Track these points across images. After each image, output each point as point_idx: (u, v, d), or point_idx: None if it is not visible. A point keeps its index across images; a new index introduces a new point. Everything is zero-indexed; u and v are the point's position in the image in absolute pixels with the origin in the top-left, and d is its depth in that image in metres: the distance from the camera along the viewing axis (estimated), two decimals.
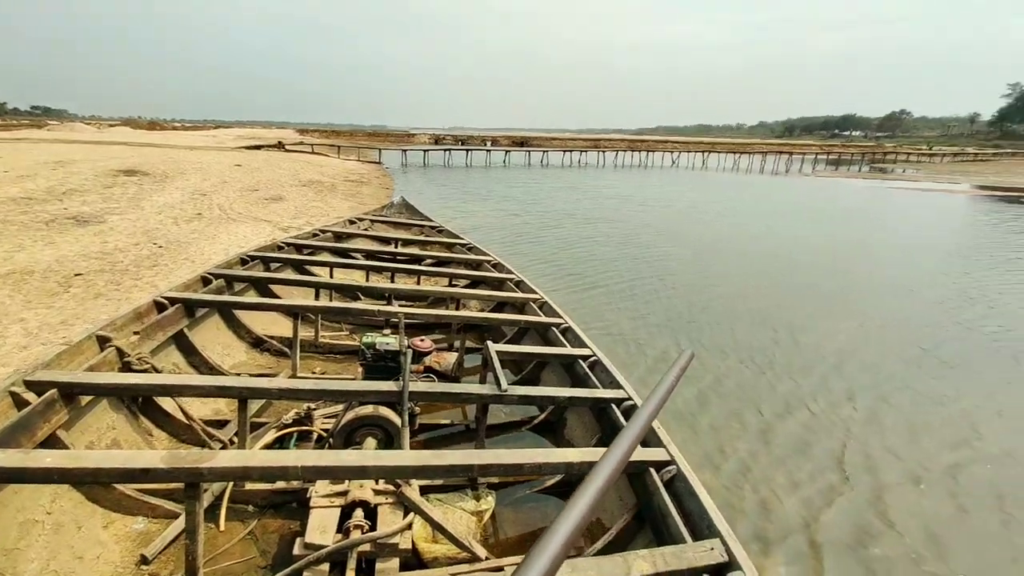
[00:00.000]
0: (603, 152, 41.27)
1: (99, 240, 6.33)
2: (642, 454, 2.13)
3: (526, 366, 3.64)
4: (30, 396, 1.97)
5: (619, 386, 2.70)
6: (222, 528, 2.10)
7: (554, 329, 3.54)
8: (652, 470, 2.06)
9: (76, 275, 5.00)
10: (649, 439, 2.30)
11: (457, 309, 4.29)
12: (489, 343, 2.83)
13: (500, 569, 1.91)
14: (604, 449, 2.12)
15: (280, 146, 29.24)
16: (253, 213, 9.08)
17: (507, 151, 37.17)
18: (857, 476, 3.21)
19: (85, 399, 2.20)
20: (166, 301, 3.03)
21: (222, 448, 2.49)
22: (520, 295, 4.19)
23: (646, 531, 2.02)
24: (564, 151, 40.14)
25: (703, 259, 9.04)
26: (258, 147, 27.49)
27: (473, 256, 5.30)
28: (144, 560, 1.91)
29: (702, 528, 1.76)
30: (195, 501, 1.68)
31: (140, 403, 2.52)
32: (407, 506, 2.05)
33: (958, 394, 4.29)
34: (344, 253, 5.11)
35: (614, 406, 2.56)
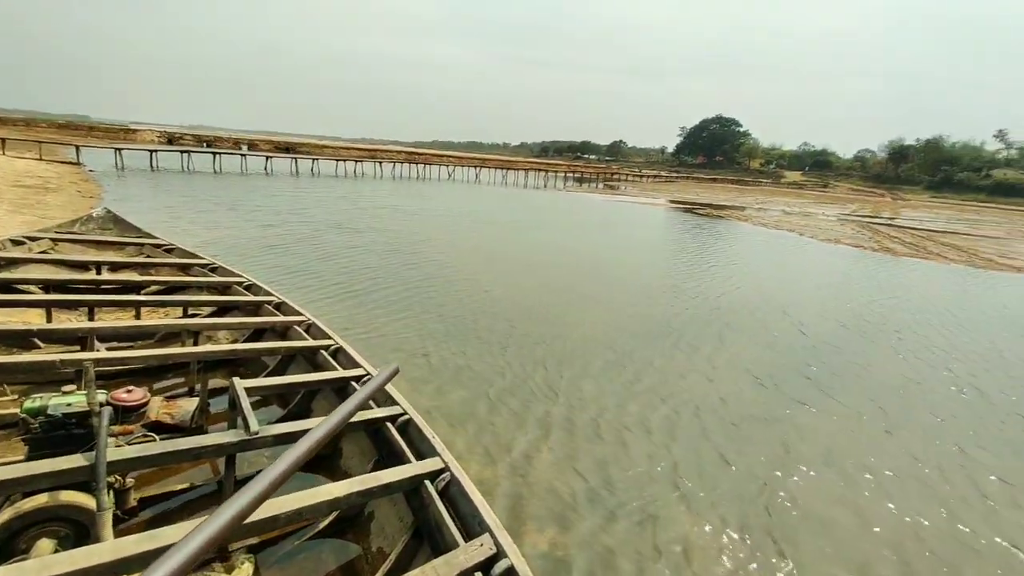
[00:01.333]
0: (380, 163, 40.61)
1: None
2: (417, 468, 2.10)
3: (293, 398, 3.22)
4: None
5: (394, 402, 2.62)
6: None
7: (323, 352, 3.24)
8: (427, 482, 2.04)
9: None
10: (424, 451, 2.28)
11: (194, 344, 3.52)
12: (235, 379, 2.40)
13: None
14: (385, 471, 2.01)
15: None
16: None
17: (268, 157, 32.99)
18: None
19: None
20: None
21: None
22: (282, 318, 3.71)
23: (424, 547, 1.99)
24: (338, 160, 37.97)
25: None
26: None
27: (218, 278, 4.44)
28: None
29: (474, 527, 1.81)
30: None
31: None
32: None
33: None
34: (8, 286, 3.66)
35: (389, 424, 2.47)
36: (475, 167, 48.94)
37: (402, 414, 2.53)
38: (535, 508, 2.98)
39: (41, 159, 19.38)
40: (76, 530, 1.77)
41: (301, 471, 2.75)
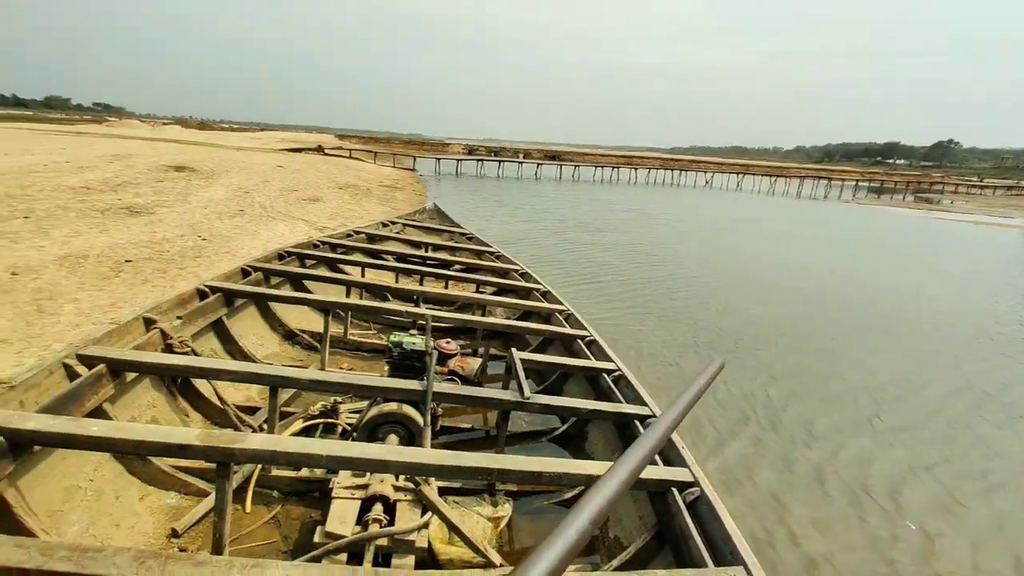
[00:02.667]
0: (636, 169, 41.06)
1: (148, 230, 6.67)
2: (664, 473, 2.10)
3: (549, 376, 3.63)
4: (81, 369, 2.09)
5: (643, 402, 2.67)
6: (247, 510, 2.16)
7: (579, 341, 3.53)
8: (674, 490, 2.02)
9: (126, 261, 5.27)
10: (672, 458, 2.26)
11: (483, 315, 4.33)
12: (514, 350, 2.85)
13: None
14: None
15: (320, 150, 30.25)
16: (291, 212, 9.40)
17: (539, 164, 37.45)
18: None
19: (130, 376, 2.32)
20: (208, 289, 3.17)
21: (253, 433, 2.57)
22: (546, 305, 4.20)
23: (666, 553, 1.98)
24: (596, 166, 40.14)
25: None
26: (299, 150, 28.52)
27: (501, 264, 5.35)
28: (174, 534, 1.99)
29: (725, 554, 1.71)
30: (225, 481, 1.74)
31: (179, 384, 2.63)
32: (425, 505, 2.08)
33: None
34: (376, 254, 5.23)
35: (637, 422, 2.53)
36: (737, 173, 44.41)
37: (651, 415, 2.56)
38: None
39: (394, 167, 26.84)
40: (408, 435, 2.44)
41: (552, 442, 3.11)
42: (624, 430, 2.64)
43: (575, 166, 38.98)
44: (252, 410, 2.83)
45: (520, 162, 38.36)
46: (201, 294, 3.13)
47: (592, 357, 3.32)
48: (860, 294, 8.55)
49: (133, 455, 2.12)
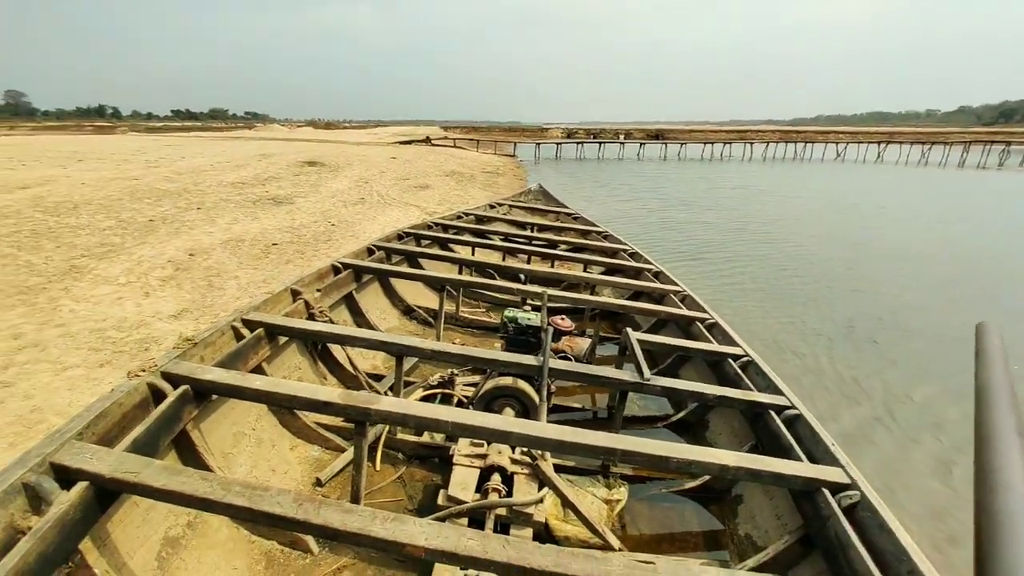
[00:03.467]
0: (751, 144, 37.27)
1: (289, 217, 7.55)
2: (810, 471, 1.85)
3: (663, 360, 3.43)
4: (245, 331, 2.40)
5: (779, 391, 2.39)
6: (378, 468, 2.33)
7: (698, 324, 3.27)
8: (826, 492, 1.76)
9: (273, 244, 6.02)
10: (819, 455, 1.99)
11: (591, 295, 4.22)
12: (628, 330, 2.71)
13: (633, 561, 1.82)
14: (768, 458, 1.89)
15: (427, 141, 31.92)
16: (404, 199, 10.03)
17: (641, 144, 35.68)
18: None
19: (282, 339, 2.62)
20: (340, 266, 3.47)
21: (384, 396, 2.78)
22: (659, 286, 3.97)
23: (815, 559, 1.75)
24: (704, 143, 37.19)
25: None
26: (409, 142, 30.36)
27: (609, 244, 5.17)
28: (318, 482, 2.21)
29: (900, 571, 1.45)
30: (362, 438, 1.88)
31: (319, 349, 2.92)
32: (542, 480, 2.06)
33: None
34: (484, 235, 5.36)
35: (772, 413, 2.27)
36: (879, 142, 38.18)
37: (788, 407, 2.28)
38: None
39: (495, 153, 27.43)
40: (523, 409, 2.44)
41: (668, 428, 2.93)
42: (755, 420, 2.38)
43: (681, 144, 36.51)
44: (378, 377, 3.06)
45: (621, 143, 36.86)
46: (335, 269, 3.43)
47: (714, 340, 3.05)
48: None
49: (286, 409, 2.39)
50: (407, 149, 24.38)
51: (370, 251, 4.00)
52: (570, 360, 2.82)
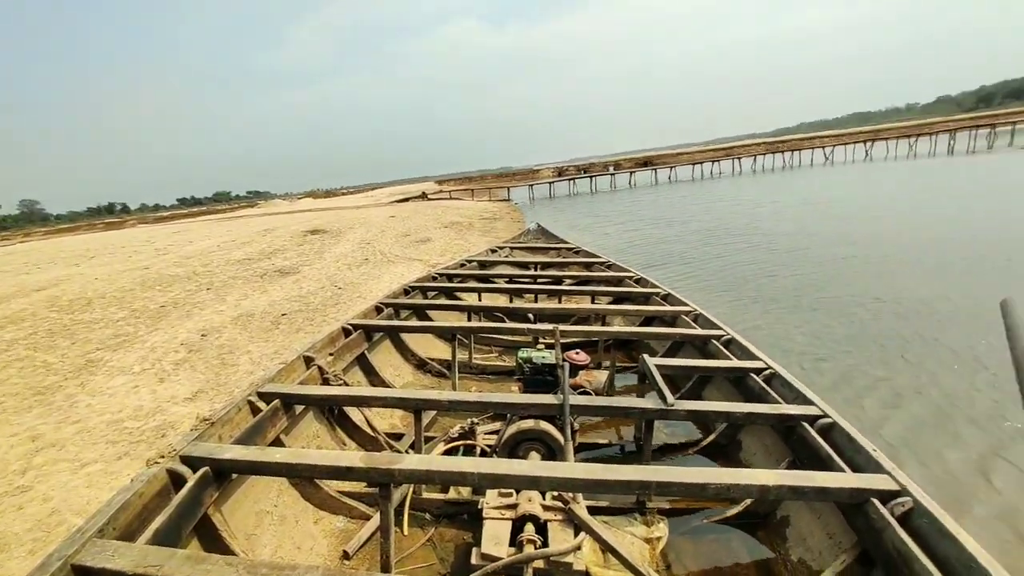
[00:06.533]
0: (738, 159, 37.97)
1: (296, 287, 7.67)
2: (856, 481, 1.76)
3: (684, 383, 3.34)
4: (261, 404, 2.38)
5: (808, 401, 2.31)
6: (406, 532, 2.24)
7: (715, 342, 3.21)
8: (876, 501, 1.67)
9: (282, 315, 6.09)
10: (861, 463, 1.90)
11: (602, 326, 4.18)
12: (645, 356, 2.67)
13: None
14: (808, 472, 1.80)
15: (423, 197, 32.83)
16: (407, 254, 10.20)
17: (631, 172, 36.47)
18: None
19: (298, 408, 2.59)
20: (351, 327, 3.48)
21: (406, 454, 2.72)
22: (670, 308, 3.93)
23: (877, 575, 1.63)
24: (693, 164, 37.95)
25: None
26: (406, 200, 31.23)
27: (614, 273, 5.18)
28: (346, 555, 2.12)
29: None
30: (388, 502, 1.82)
31: (336, 414, 2.89)
32: (577, 525, 1.97)
33: None
34: (489, 279, 5.40)
35: (806, 424, 2.18)
36: (864, 142, 38.78)
37: (821, 415, 2.19)
38: None
39: (491, 200, 28.10)
40: (548, 451, 2.37)
41: (700, 454, 2.82)
42: (789, 434, 2.29)
43: (670, 168, 37.25)
44: (397, 436, 3.00)
45: (612, 174, 37.71)
46: (346, 332, 3.44)
47: (733, 357, 2.99)
48: None
49: (307, 480, 2.33)
50: (405, 206, 25.04)
51: (378, 309, 4.03)
52: (590, 394, 2.77)
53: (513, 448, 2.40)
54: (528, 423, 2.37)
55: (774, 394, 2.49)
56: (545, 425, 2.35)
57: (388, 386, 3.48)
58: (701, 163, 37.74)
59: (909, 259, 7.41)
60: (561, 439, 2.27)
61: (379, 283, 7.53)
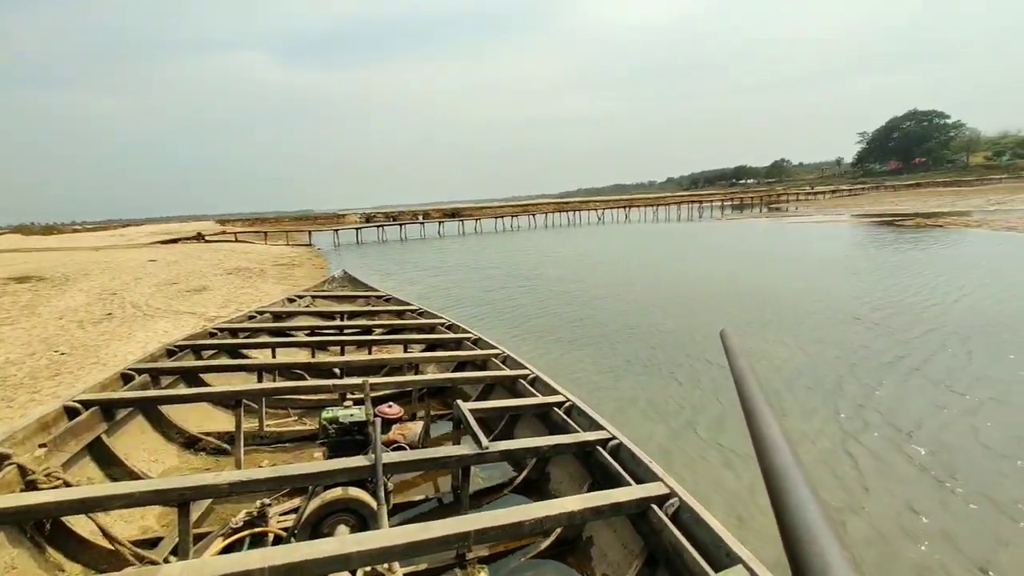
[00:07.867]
0: (533, 216, 43.24)
1: None
2: (639, 492, 2.03)
3: (496, 424, 3.46)
4: None
5: (600, 427, 2.62)
6: None
7: (522, 381, 3.43)
8: (654, 507, 1.95)
9: None
10: (642, 475, 2.21)
11: (415, 374, 4.06)
12: (459, 402, 2.67)
13: None
14: (605, 492, 2.00)
15: (199, 238, 27.88)
16: (174, 307, 8.37)
17: (440, 222, 37.94)
18: None
19: None
20: (79, 405, 2.60)
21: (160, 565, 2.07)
22: (480, 352, 4.07)
23: (661, 573, 1.88)
24: (496, 217, 41.66)
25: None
26: (174, 240, 26.07)
27: (425, 320, 5.14)
28: None
29: (720, 557, 1.65)
30: None
31: (47, 530, 2.06)
32: None
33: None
34: (285, 332, 4.77)
35: (600, 448, 2.46)
36: (623, 207, 48.80)
37: (611, 438, 2.51)
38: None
39: (288, 244, 25.46)
40: (360, 521, 2.11)
41: (513, 493, 2.90)
42: (588, 459, 2.54)
43: (476, 220, 40.08)
44: (153, 542, 2.30)
45: (422, 223, 38.56)
46: (70, 412, 2.56)
47: (538, 394, 3.22)
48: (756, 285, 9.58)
49: None
50: (172, 248, 20.84)
51: (126, 377, 3.14)
52: (404, 449, 2.61)
53: (317, 526, 2.08)
54: (334, 492, 2.09)
55: (574, 424, 2.74)
56: (355, 491, 2.11)
57: (139, 477, 2.67)
58: (502, 217, 41.68)
59: (647, 299, 9.46)
60: (374, 504, 2.06)
61: (130, 344, 5.95)
